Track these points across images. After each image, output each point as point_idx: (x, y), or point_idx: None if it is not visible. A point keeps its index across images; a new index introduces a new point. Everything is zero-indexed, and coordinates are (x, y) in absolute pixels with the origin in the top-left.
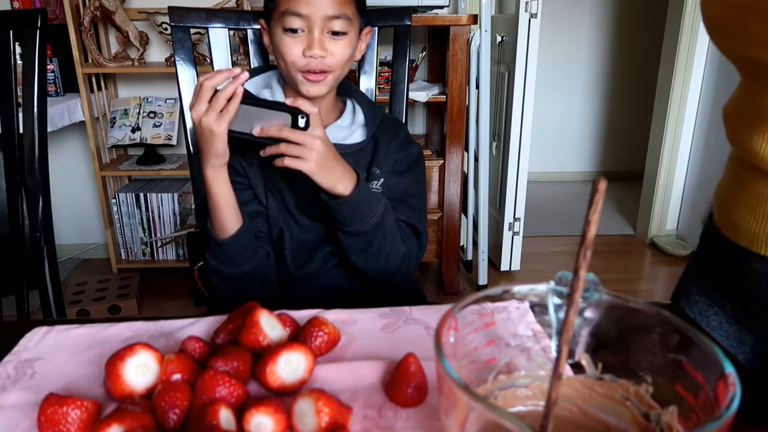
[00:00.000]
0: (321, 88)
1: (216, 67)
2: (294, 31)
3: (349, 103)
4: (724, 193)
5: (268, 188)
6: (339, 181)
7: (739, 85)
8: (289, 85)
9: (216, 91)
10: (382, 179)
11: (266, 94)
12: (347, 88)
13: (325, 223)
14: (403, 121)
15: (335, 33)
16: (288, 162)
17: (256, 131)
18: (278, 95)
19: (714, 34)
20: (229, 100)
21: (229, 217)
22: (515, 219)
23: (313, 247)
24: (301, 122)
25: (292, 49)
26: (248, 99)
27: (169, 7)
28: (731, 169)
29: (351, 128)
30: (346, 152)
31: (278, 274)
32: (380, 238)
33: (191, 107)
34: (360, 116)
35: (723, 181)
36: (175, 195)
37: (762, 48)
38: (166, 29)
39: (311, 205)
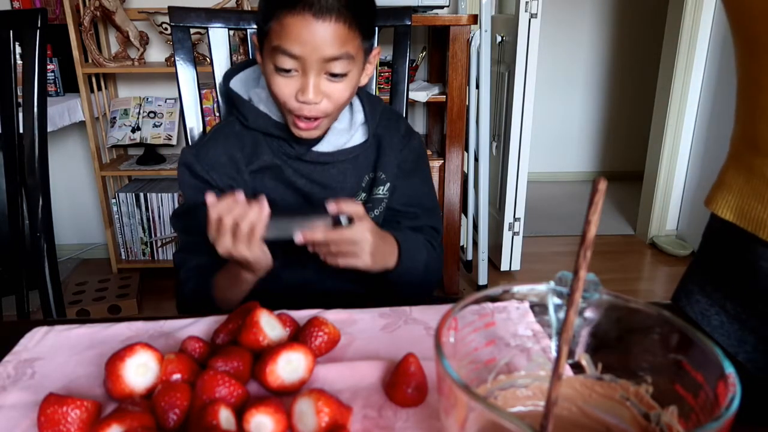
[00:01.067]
0: (313, 133)
1: (216, 67)
2: (287, 71)
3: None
4: (728, 177)
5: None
6: (389, 257)
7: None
8: None
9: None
10: (389, 184)
11: (261, 95)
12: None
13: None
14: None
15: (334, 75)
16: (342, 262)
17: (298, 239)
18: (274, 113)
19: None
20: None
21: (241, 295)
22: (515, 219)
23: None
24: (344, 221)
25: (284, 90)
26: (278, 212)
27: (169, 7)
28: (736, 154)
29: (350, 131)
30: (347, 157)
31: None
32: (423, 264)
33: (214, 241)
34: (359, 115)
35: (726, 168)
36: (175, 195)
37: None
38: (166, 29)
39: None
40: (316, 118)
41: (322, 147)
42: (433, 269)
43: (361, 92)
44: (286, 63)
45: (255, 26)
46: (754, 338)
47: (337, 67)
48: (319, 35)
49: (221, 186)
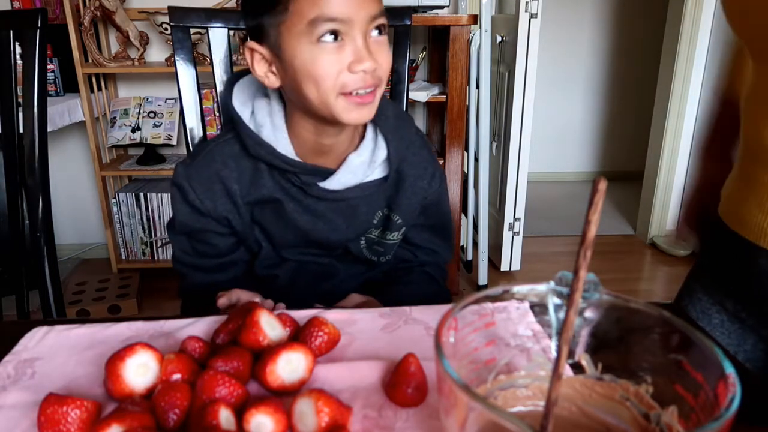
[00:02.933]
0: (372, 111)
1: (216, 67)
2: (335, 39)
3: (369, 129)
4: (732, 189)
5: (258, 232)
6: None
7: (752, 72)
8: (306, 115)
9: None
10: (404, 229)
11: (265, 108)
12: None
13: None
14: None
15: (380, 31)
16: None
17: None
18: (281, 138)
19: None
20: None
21: None
22: (515, 219)
23: (311, 279)
24: None
25: (333, 68)
26: None
27: (169, 7)
28: (740, 166)
29: (371, 166)
30: (360, 194)
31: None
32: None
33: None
34: (382, 152)
35: (731, 179)
36: None
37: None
38: (166, 29)
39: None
40: (374, 89)
41: (332, 184)
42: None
43: (387, 116)
44: (330, 28)
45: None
46: (754, 337)
47: (381, 22)
48: None
49: (214, 216)
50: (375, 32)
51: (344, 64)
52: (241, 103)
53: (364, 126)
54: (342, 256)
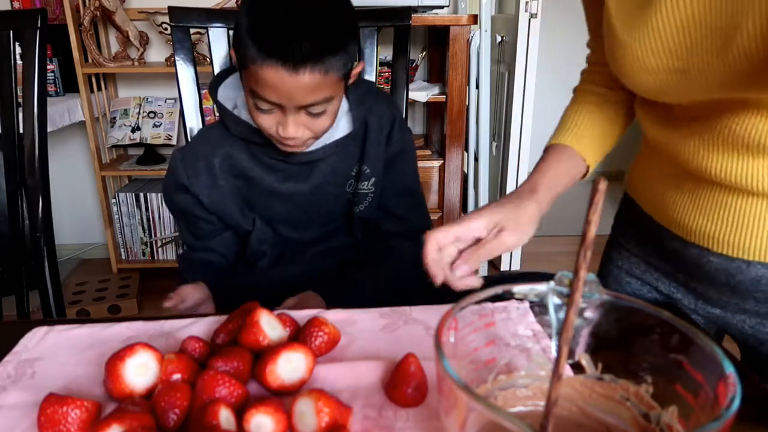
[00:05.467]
0: (303, 149)
1: (216, 67)
2: (264, 110)
3: None
4: (655, 184)
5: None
6: None
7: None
8: None
9: None
10: (374, 178)
11: (246, 112)
12: None
13: (314, 228)
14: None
15: (313, 113)
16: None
17: None
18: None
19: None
20: None
21: None
22: None
23: (299, 248)
24: None
25: (264, 123)
26: None
27: (169, 7)
28: (670, 173)
29: (336, 122)
30: (335, 151)
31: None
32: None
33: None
34: (343, 103)
35: (644, 166)
36: None
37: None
38: (166, 29)
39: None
40: (303, 144)
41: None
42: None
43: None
44: (264, 105)
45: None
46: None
47: (316, 109)
48: (294, 87)
49: (198, 194)
50: (309, 114)
51: (273, 124)
52: (226, 96)
53: None
54: (327, 224)
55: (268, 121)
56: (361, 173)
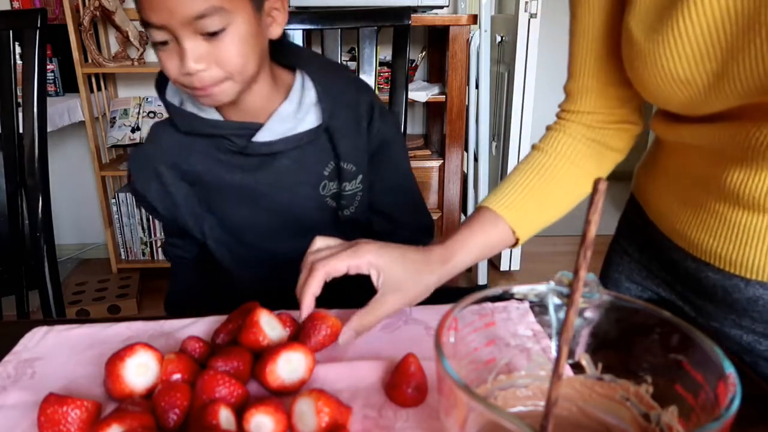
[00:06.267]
0: (220, 97)
1: None
2: (162, 43)
3: (298, 77)
4: (661, 191)
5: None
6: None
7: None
8: None
9: None
10: (360, 176)
11: (191, 103)
12: (294, 55)
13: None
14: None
15: (210, 34)
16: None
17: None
18: (206, 108)
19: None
20: None
21: None
22: None
23: (276, 262)
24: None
25: (168, 66)
26: None
27: None
28: (679, 183)
29: (298, 115)
30: (298, 144)
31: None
32: None
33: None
34: (310, 94)
35: (653, 175)
36: None
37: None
38: None
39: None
40: (212, 85)
41: (263, 136)
42: None
43: (315, 65)
44: (157, 35)
45: None
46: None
47: (208, 25)
48: None
49: (153, 201)
50: (208, 35)
51: (176, 65)
52: (173, 94)
53: (290, 73)
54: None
55: (170, 62)
56: (344, 172)
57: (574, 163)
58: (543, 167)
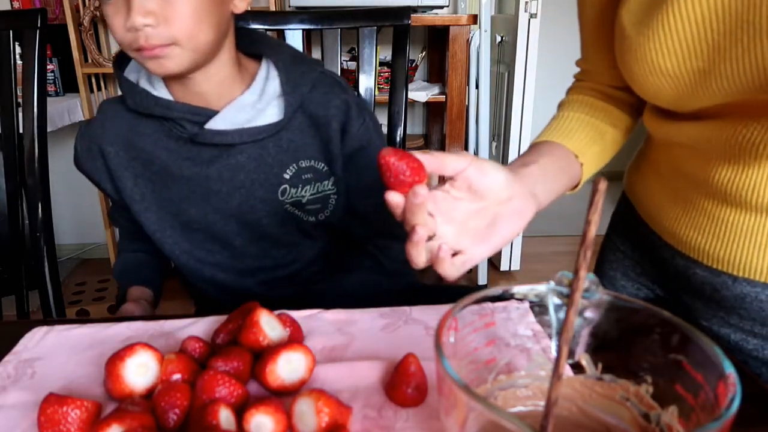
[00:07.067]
0: (168, 64)
1: None
2: None
3: (263, 66)
4: (650, 187)
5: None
6: None
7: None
8: None
9: None
10: (334, 177)
11: (145, 79)
12: (262, 43)
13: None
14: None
15: None
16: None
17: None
18: (159, 87)
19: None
20: None
21: None
22: None
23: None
24: None
25: (114, 21)
26: None
27: None
28: (670, 181)
29: (258, 105)
30: (255, 138)
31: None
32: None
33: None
34: (274, 83)
35: (644, 173)
36: None
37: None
38: None
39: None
40: (161, 46)
41: (216, 124)
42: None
43: (285, 55)
44: None
45: (252, 25)
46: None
47: None
48: None
49: (101, 182)
50: None
51: (122, 21)
52: (131, 70)
53: (258, 63)
54: (258, 237)
55: (115, 19)
56: (318, 171)
57: (604, 103)
58: (581, 103)
